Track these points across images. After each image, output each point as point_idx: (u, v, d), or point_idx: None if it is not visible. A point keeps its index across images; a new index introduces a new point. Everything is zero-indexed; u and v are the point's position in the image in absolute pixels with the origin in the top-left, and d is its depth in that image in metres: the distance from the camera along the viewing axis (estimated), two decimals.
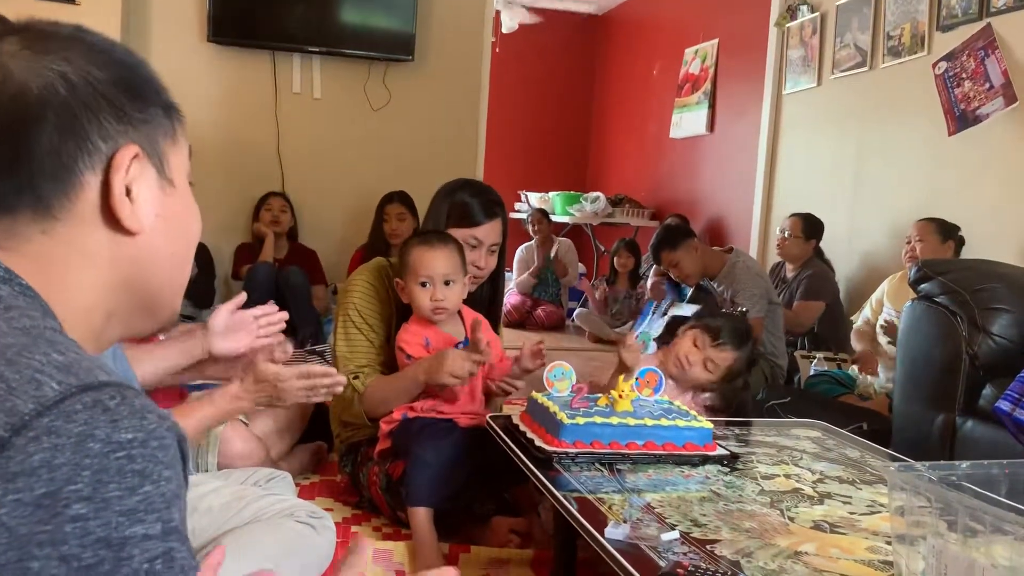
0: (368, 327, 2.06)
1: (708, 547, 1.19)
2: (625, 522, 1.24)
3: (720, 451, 1.63)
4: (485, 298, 2.21)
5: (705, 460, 1.60)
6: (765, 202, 4.78)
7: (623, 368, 1.94)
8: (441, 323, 1.98)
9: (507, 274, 4.50)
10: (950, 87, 3.44)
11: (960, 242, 3.27)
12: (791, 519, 1.33)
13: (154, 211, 0.65)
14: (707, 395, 2.18)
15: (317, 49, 4.27)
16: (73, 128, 0.61)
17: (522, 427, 1.70)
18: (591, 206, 5.92)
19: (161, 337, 2.03)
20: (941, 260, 2.95)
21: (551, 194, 6.34)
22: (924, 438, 2.26)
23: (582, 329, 5.39)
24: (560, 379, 1.77)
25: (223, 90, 4.24)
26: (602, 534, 1.19)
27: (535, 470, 1.50)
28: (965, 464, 1.05)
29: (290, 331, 3.70)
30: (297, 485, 2.02)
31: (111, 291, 0.65)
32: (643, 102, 6.48)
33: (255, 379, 1.48)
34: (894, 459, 1.75)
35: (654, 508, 1.34)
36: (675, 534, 1.21)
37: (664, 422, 1.61)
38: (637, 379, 1.78)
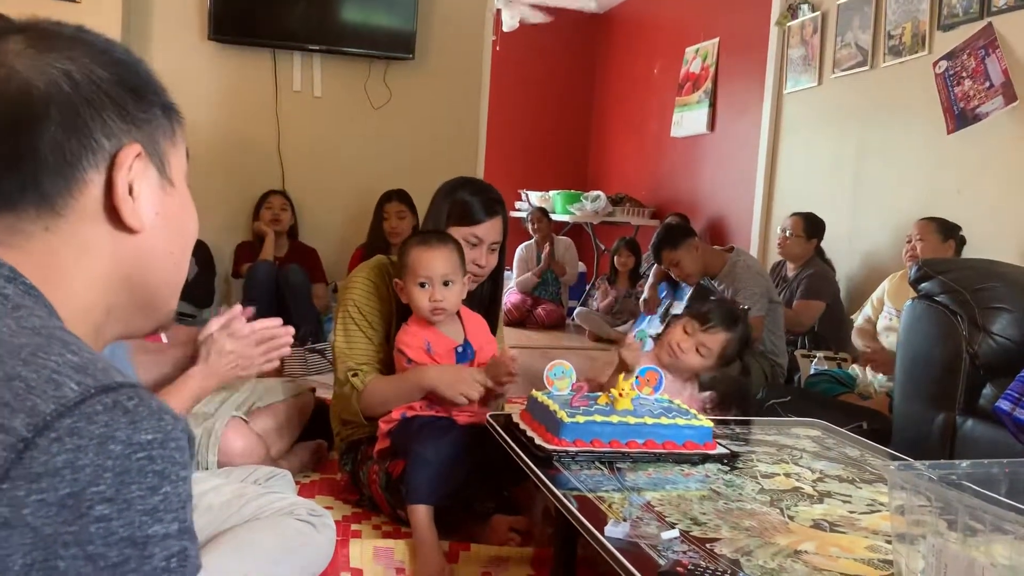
0: (368, 325, 2.06)
1: (708, 546, 1.19)
2: (625, 520, 1.24)
3: (720, 450, 1.63)
4: (485, 297, 2.21)
5: (705, 459, 1.60)
6: (766, 201, 4.78)
7: (623, 367, 1.94)
8: (440, 324, 1.98)
9: (507, 273, 4.51)
10: (950, 86, 3.44)
11: (961, 241, 3.28)
12: (791, 518, 1.33)
13: (154, 210, 0.66)
14: (707, 394, 2.18)
15: (318, 47, 4.27)
16: (77, 126, 0.61)
17: (522, 425, 1.70)
18: (591, 205, 5.92)
19: (163, 338, 2.03)
20: (941, 259, 2.95)
21: (551, 193, 6.34)
22: (924, 437, 2.26)
23: (582, 328, 5.39)
24: (560, 378, 1.77)
25: (224, 88, 4.24)
26: (602, 532, 1.19)
27: (535, 468, 1.50)
28: (965, 463, 1.05)
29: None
30: (297, 483, 2.02)
31: (111, 289, 0.66)
32: (644, 101, 6.48)
33: (216, 354, 1.48)
34: (894, 458, 1.75)
35: (654, 507, 1.34)
36: (675, 533, 1.21)
37: (664, 421, 1.61)
38: (637, 378, 1.78)
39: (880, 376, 3.09)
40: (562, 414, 1.57)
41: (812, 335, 3.81)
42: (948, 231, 3.26)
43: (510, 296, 5.66)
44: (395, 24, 4.33)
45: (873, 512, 1.39)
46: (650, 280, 4.92)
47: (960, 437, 2.18)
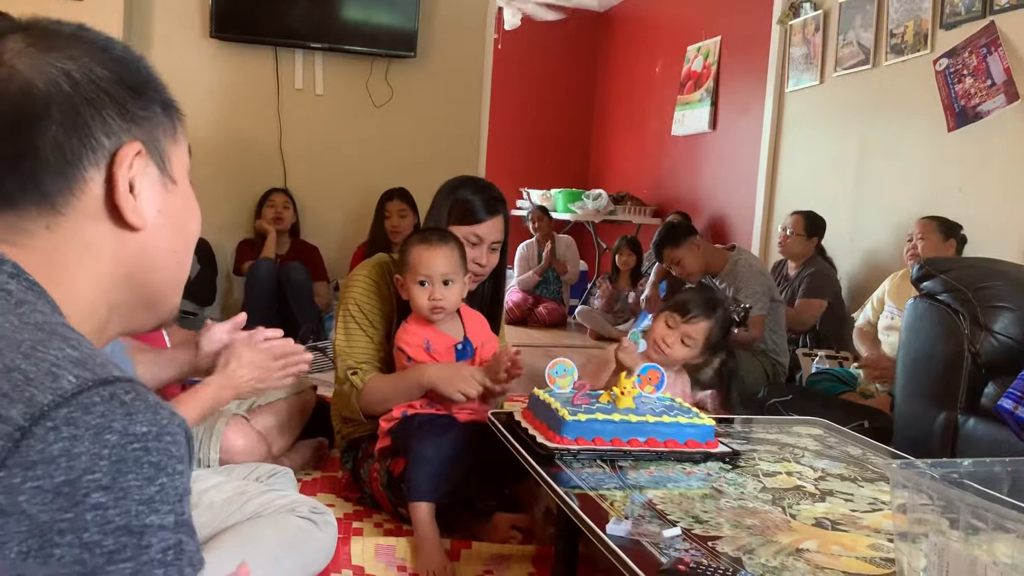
0: (368, 323, 2.06)
1: (710, 544, 1.19)
2: (627, 518, 1.24)
3: (722, 448, 1.63)
4: (487, 296, 2.21)
5: (707, 457, 1.60)
6: (767, 200, 4.78)
7: (622, 370, 1.94)
8: (440, 322, 1.98)
9: (508, 272, 4.50)
10: (950, 83, 3.44)
11: (962, 240, 3.27)
12: (793, 516, 1.33)
13: (156, 207, 0.67)
14: (709, 393, 2.18)
15: (319, 45, 4.27)
16: (77, 124, 0.62)
17: (524, 423, 1.70)
18: (593, 203, 5.91)
19: (165, 337, 2.03)
20: (943, 258, 2.95)
21: (553, 191, 6.33)
22: (926, 436, 2.26)
23: (583, 326, 5.39)
24: (562, 376, 1.77)
25: (225, 86, 4.24)
26: (604, 530, 1.19)
27: (537, 466, 1.50)
28: (967, 462, 1.05)
29: (292, 327, 3.73)
30: (298, 481, 2.02)
31: (113, 286, 0.66)
32: (645, 99, 6.47)
33: (236, 365, 1.48)
34: (896, 457, 1.75)
35: (656, 505, 1.34)
36: (677, 531, 1.21)
37: (666, 419, 1.61)
38: (639, 376, 1.78)
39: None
40: (564, 412, 1.57)
41: (814, 334, 3.81)
42: (949, 230, 3.25)
43: (511, 295, 5.65)
44: (397, 22, 4.33)
45: (875, 511, 1.39)
46: (651, 279, 4.91)
47: (962, 436, 2.18)
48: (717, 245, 3.88)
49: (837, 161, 4.23)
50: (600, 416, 1.58)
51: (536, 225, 5.80)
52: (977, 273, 2.31)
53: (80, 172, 0.62)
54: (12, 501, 0.47)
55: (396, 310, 2.08)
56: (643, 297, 4.93)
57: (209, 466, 1.94)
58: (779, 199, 4.70)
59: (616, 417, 1.59)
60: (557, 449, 1.54)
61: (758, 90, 4.84)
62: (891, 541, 1.21)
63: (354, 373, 2.01)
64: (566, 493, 1.37)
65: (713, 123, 5.43)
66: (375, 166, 4.40)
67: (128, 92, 0.64)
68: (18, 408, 0.49)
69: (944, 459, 1.07)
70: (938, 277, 2.32)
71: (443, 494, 1.82)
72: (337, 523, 1.65)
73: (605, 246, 6.29)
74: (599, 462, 1.54)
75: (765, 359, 3.46)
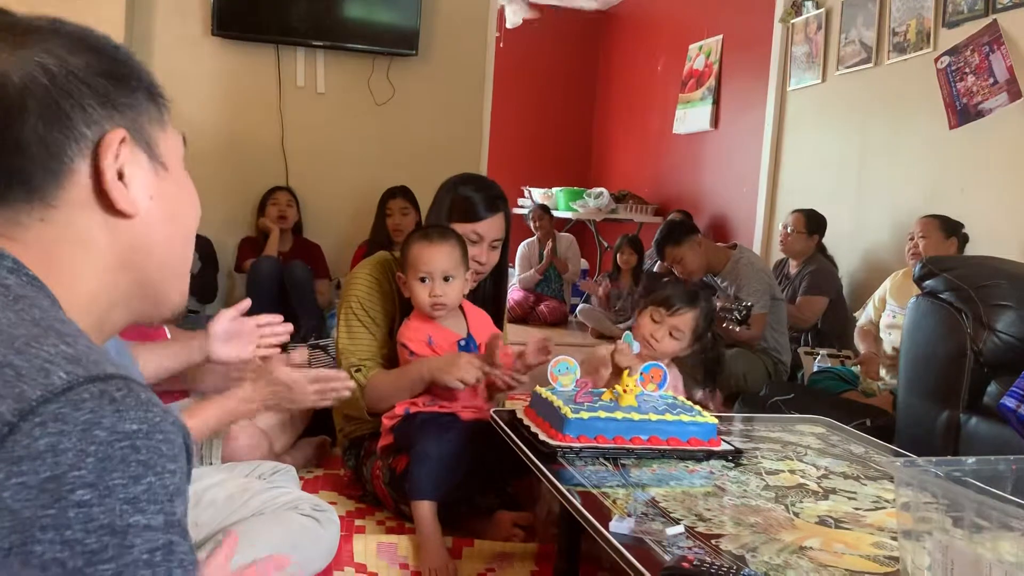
0: (371, 320, 2.06)
1: (713, 542, 1.19)
2: (630, 516, 1.24)
3: (724, 446, 1.63)
4: (488, 294, 2.21)
5: (709, 455, 1.60)
6: (769, 198, 4.77)
7: (620, 372, 1.93)
8: (442, 319, 1.98)
9: (509, 270, 4.50)
10: (952, 81, 3.44)
11: (964, 239, 3.27)
12: (796, 514, 1.33)
13: (148, 193, 0.66)
14: (705, 391, 2.17)
15: (321, 43, 4.26)
16: (57, 117, 0.61)
17: (526, 421, 1.70)
18: (594, 202, 5.91)
19: (167, 333, 2.03)
20: (946, 257, 2.95)
21: (554, 190, 6.33)
22: (928, 435, 2.25)
23: (585, 325, 5.39)
24: (564, 373, 1.77)
25: (227, 84, 4.23)
26: (607, 528, 1.19)
27: (539, 464, 1.50)
28: (971, 460, 1.05)
29: (293, 325, 3.72)
30: (301, 479, 2.02)
31: (111, 276, 0.66)
32: (647, 98, 6.47)
33: (268, 382, 1.48)
34: (898, 455, 1.75)
35: (658, 503, 1.34)
36: (680, 528, 1.21)
37: (668, 417, 1.61)
38: (642, 374, 1.77)
39: (883, 374, 3.09)
40: (566, 410, 1.57)
41: (815, 332, 3.81)
42: (951, 228, 3.25)
43: (513, 293, 5.65)
44: (398, 20, 4.32)
45: (878, 509, 1.39)
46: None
47: (964, 435, 2.18)
48: (719, 243, 3.88)
49: (839, 160, 4.23)
50: (603, 414, 1.58)
51: (537, 224, 5.80)
52: (979, 272, 2.30)
53: (65, 163, 0.62)
54: None
55: (398, 308, 2.08)
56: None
57: (211, 463, 1.94)
58: (781, 198, 4.70)
59: (619, 415, 1.59)
60: (560, 447, 1.54)
61: (760, 89, 4.84)
62: (894, 539, 1.21)
63: (358, 370, 2.01)
64: (569, 491, 1.36)
65: (715, 122, 5.42)
66: (377, 164, 4.40)
67: (108, 81, 0.64)
68: (7, 404, 0.48)
69: (948, 457, 1.07)
70: (940, 276, 2.31)
71: (445, 492, 1.82)
72: (339, 521, 1.65)
73: (607, 244, 6.28)
74: (602, 460, 1.54)
75: (767, 358, 3.46)
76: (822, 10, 4.34)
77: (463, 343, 1.98)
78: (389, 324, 2.09)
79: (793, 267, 3.97)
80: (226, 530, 1.40)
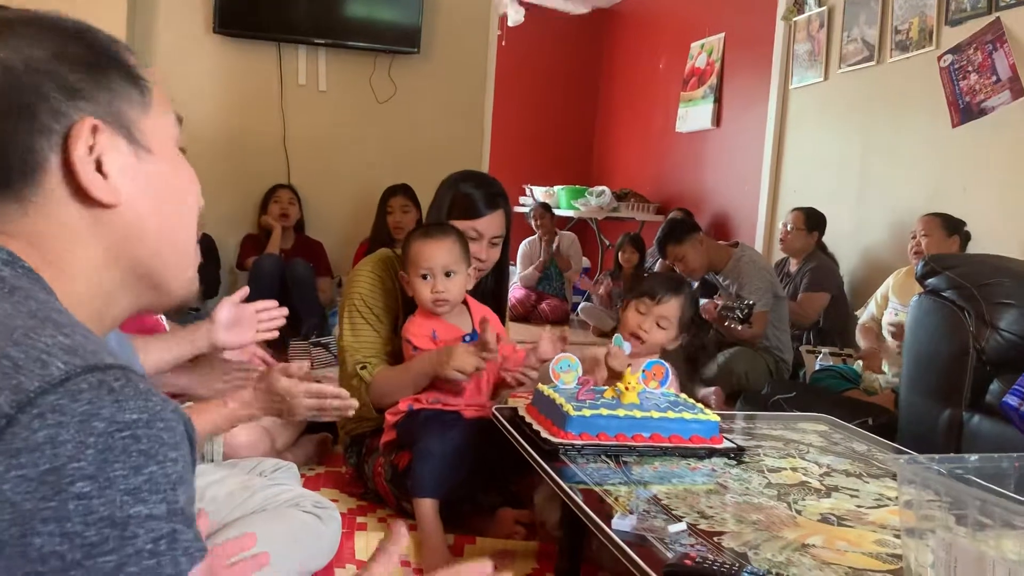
0: (375, 317, 2.06)
1: (715, 539, 1.18)
2: (632, 513, 1.24)
3: (726, 444, 1.63)
4: (489, 291, 2.21)
5: (711, 453, 1.60)
6: (771, 196, 4.77)
7: (615, 374, 1.93)
8: (446, 315, 1.98)
9: (511, 267, 4.50)
10: (955, 79, 3.43)
11: (966, 237, 3.26)
12: (798, 512, 1.33)
13: (130, 180, 0.64)
14: (712, 389, 2.16)
15: (323, 41, 4.26)
16: (21, 113, 0.60)
17: (528, 419, 1.70)
18: (596, 200, 5.90)
19: (166, 326, 2.03)
20: (948, 255, 2.94)
21: (556, 188, 6.33)
22: (930, 433, 2.25)
23: (586, 323, 5.38)
24: (566, 371, 1.77)
25: (229, 82, 4.23)
26: (609, 525, 1.19)
27: (541, 462, 1.49)
28: (974, 457, 1.04)
29: (294, 323, 3.72)
30: (302, 476, 2.02)
31: (105, 267, 0.65)
32: (649, 96, 6.46)
33: (267, 389, 1.48)
34: (900, 453, 1.74)
35: (661, 500, 1.34)
36: (682, 526, 1.21)
37: (671, 414, 1.61)
38: (644, 371, 1.77)
39: (886, 372, 3.08)
40: (568, 407, 1.57)
41: (817, 331, 3.81)
42: (953, 227, 3.25)
43: (514, 291, 5.65)
44: (400, 18, 4.32)
45: (881, 506, 1.39)
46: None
47: (966, 433, 2.17)
48: (720, 242, 3.88)
49: (841, 158, 4.22)
50: (605, 411, 1.58)
51: (538, 222, 5.80)
52: (982, 270, 2.30)
53: (37, 159, 0.61)
54: None
55: (401, 305, 2.08)
56: None
57: (213, 461, 1.94)
58: (782, 196, 4.69)
59: (621, 412, 1.58)
60: (562, 444, 1.54)
61: (762, 87, 4.83)
62: (897, 537, 1.20)
63: (363, 367, 2.01)
64: (571, 488, 1.36)
65: (717, 120, 5.42)
66: (378, 162, 4.40)
67: (75, 68, 0.62)
68: (5, 395, 0.48)
69: (951, 455, 1.06)
70: (943, 274, 2.31)
71: (448, 490, 1.81)
72: (341, 518, 1.65)
73: (608, 243, 6.28)
74: (604, 457, 1.54)
75: (769, 356, 3.46)
76: (824, 8, 4.33)
77: (468, 338, 1.98)
78: (392, 321, 2.09)
79: (793, 265, 3.97)
80: (221, 533, 1.39)
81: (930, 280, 2.34)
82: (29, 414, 0.47)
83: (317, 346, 3.53)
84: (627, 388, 1.66)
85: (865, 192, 4.05)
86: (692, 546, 1.15)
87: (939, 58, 3.50)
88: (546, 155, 7.16)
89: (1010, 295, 2.21)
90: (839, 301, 3.82)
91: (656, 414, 1.60)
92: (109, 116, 0.64)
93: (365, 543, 1.79)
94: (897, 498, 1.10)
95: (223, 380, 1.76)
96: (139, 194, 0.65)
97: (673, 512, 1.28)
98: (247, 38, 4.19)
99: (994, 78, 3.26)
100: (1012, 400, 2.00)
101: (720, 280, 3.63)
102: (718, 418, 1.65)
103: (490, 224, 2.09)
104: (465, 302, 2.03)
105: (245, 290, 1.74)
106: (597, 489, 1.37)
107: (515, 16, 6.57)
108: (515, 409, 1.79)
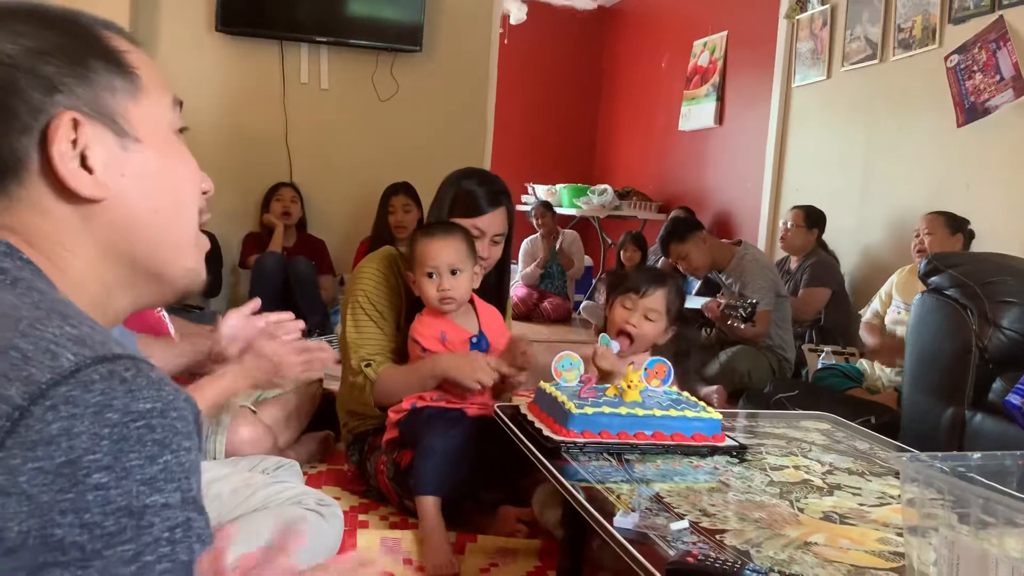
0: (378, 315, 2.06)
1: (717, 537, 1.18)
2: (634, 511, 1.24)
3: (729, 442, 1.63)
4: (491, 289, 2.21)
5: (714, 451, 1.60)
6: (773, 195, 4.76)
7: (604, 374, 1.93)
8: (453, 314, 1.98)
9: (513, 266, 4.50)
10: (961, 80, 3.42)
11: (969, 236, 3.26)
12: (801, 510, 1.33)
13: (117, 172, 0.63)
14: (714, 388, 2.14)
15: (325, 39, 4.26)
16: None
17: (530, 417, 1.70)
18: (598, 199, 5.90)
19: (170, 328, 2.03)
20: (951, 253, 2.94)
21: (558, 186, 6.32)
22: (933, 432, 2.25)
23: (588, 321, 5.38)
24: (568, 369, 1.77)
25: (231, 80, 4.24)
26: (611, 523, 1.19)
27: (543, 459, 1.49)
28: (977, 455, 1.04)
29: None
30: (304, 474, 2.02)
31: (99, 260, 0.64)
32: (651, 94, 6.46)
33: (255, 356, 1.48)
34: (903, 452, 1.74)
35: (663, 498, 1.34)
36: (684, 524, 1.21)
37: (673, 412, 1.61)
38: (646, 370, 1.77)
39: (888, 370, 3.08)
40: (570, 405, 1.57)
41: (819, 329, 3.81)
42: (956, 225, 3.24)
43: (516, 290, 5.65)
44: (402, 16, 4.32)
45: (883, 505, 1.39)
46: None
47: (969, 432, 2.17)
48: (723, 240, 3.88)
49: (844, 156, 4.22)
50: (607, 409, 1.58)
51: (540, 221, 5.80)
52: (985, 268, 2.30)
53: (20, 156, 0.60)
54: (13, 482, 0.46)
55: (405, 304, 2.08)
56: None
57: (215, 458, 1.95)
58: (785, 194, 4.69)
59: (623, 410, 1.58)
60: (563, 442, 1.53)
61: (765, 85, 4.83)
62: (900, 535, 1.20)
63: (367, 365, 2.01)
64: (573, 486, 1.36)
65: (719, 118, 5.41)
66: (380, 160, 4.40)
67: (53, 62, 0.60)
68: (16, 387, 0.48)
69: (954, 453, 1.06)
70: (946, 272, 2.31)
71: (450, 487, 1.82)
72: (343, 516, 1.65)
73: (610, 241, 6.28)
74: (606, 455, 1.54)
75: (771, 355, 3.46)
76: (827, 6, 4.33)
77: (475, 339, 1.98)
78: (396, 319, 2.09)
79: (794, 263, 3.98)
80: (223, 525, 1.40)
81: (933, 278, 2.34)
82: (42, 406, 0.48)
83: None
84: (629, 386, 1.66)
85: (868, 190, 4.05)
86: (694, 544, 1.15)
87: (946, 58, 3.50)
88: (548, 153, 7.15)
89: (1013, 293, 2.20)
90: (840, 298, 3.83)
91: (658, 412, 1.60)
92: (91, 108, 0.62)
93: (367, 541, 1.79)
94: (899, 496, 1.10)
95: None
96: (128, 186, 0.64)
97: (675, 510, 1.28)
98: (249, 36, 4.20)
99: (997, 77, 3.26)
100: (1015, 399, 2.00)
101: (723, 279, 3.63)
102: (720, 416, 1.65)
103: (492, 222, 2.09)
104: (472, 301, 2.03)
105: (257, 302, 1.67)
106: (599, 487, 1.37)
107: (517, 14, 6.57)
108: (517, 407, 1.79)
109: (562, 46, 7.21)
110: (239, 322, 1.62)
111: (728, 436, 1.66)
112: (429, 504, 1.79)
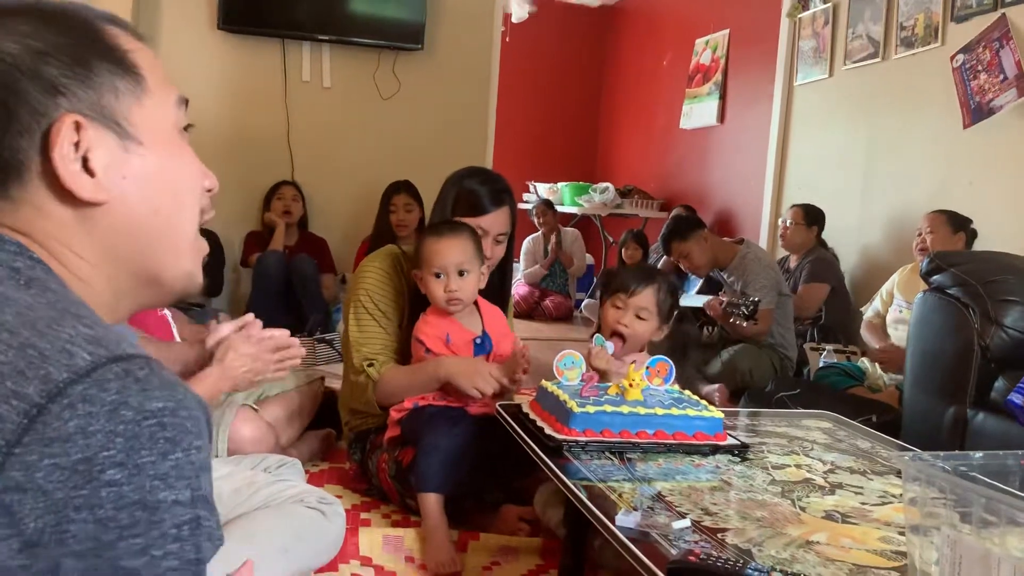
0: (381, 314, 2.06)
1: (719, 536, 1.18)
2: (635, 510, 1.24)
3: (731, 441, 1.63)
4: (494, 288, 2.21)
5: (716, 449, 1.60)
6: (775, 193, 4.76)
7: (600, 374, 1.92)
8: (458, 315, 1.98)
9: (515, 264, 4.50)
10: (967, 80, 3.42)
11: (972, 234, 3.26)
12: (802, 509, 1.33)
13: (119, 175, 0.63)
14: (716, 387, 2.13)
15: (327, 37, 4.26)
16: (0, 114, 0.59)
17: (532, 415, 1.70)
18: (600, 197, 5.90)
19: (173, 328, 2.03)
20: (953, 252, 2.94)
21: (560, 185, 6.32)
22: (935, 431, 2.25)
23: (590, 319, 5.38)
24: (570, 367, 1.77)
25: (232, 78, 4.24)
26: (612, 522, 1.19)
27: (544, 458, 1.49)
28: (979, 454, 1.04)
29: (299, 320, 3.73)
30: (306, 472, 2.02)
31: (102, 263, 0.65)
32: (653, 93, 6.45)
33: (236, 355, 1.49)
34: (904, 450, 1.74)
35: (665, 497, 1.34)
36: (686, 522, 1.21)
37: (675, 411, 1.61)
38: (648, 368, 1.77)
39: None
40: (572, 404, 1.57)
41: (820, 326, 3.81)
42: (959, 224, 3.24)
43: (518, 288, 5.65)
44: (404, 15, 4.32)
45: (885, 504, 1.38)
46: None
47: (971, 431, 2.17)
48: (725, 239, 3.88)
49: (845, 155, 4.22)
50: (608, 408, 1.58)
51: (541, 220, 5.80)
52: (987, 267, 2.29)
53: (21, 158, 0.60)
54: (29, 477, 0.47)
55: (408, 302, 2.08)
56: None
57: (217, 456, 1.95)
58: (787, 193, 4.68)
59: (624, 409, 1.58)
60: (565, 441, 1.53)
61: (766, 83, 4.82)
62: (902, 534, 1.20)
63: (370, 364, 2.01)
64: (574, 485, 1.36)
65: (721, 116, 5.41)
66: (382, 159, 4.40)
67: (55, 63, 0.60)
68: (34, 385, 0.49)
69: (956, 452, 1.06)
70: (948, 271, 2.30)
71: (452, 485, 1.82)
72: (345, 514, 1.65)
73: (612, 239, 6.27)
74: (607, 454, 1.54)
75: (773, 353, 3.46)
76: (829, 4, 4.32)
77: (479, 340, 1.98)
78: (399, 318, 2.09)
79: (794, 261, 3.98)
80: (225, 529, 1.40)
81: (935, 277, 2.34)
82: (60, 404, 0.48)
83: (321, 343, 3.54)
84: (631, 385, 1.66)
85: (870, 189, 4.04)
86: (696, 543, 1.15)
87: (951, 58, 3.49)
88: (550, 152, 7.15)
89: (1015, 292, 2.20)
90: (840, 294, 3.83)
91: (660, 411, 1.60)
92: (94, 110, 0.62)
93: (369, 539, 1.79)
94: (901, 495, 1.10)
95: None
96: (129, 188, 0.64)
97: (677, 509, 1.28)
98: (251, 34, 4.20)
99: (1001, 76, 3.25)
100: (1017, 398, 2.00)
101: (725, 277, 3.63)
102: (722, 415, 1.65)
103: (495, 221, 2.09)
104: (476, 302, 2.02)
105: (250, 317, 1.62)
106: (600, 486, 1.37)
107: (519, 12, 6.56)
108: (519, 406, 1.79)
109: (564, 44, 7.20)
110: (229, 333, 1.61)
111: (730, 435, 1.66)
112: (431, 501, 1.79)
